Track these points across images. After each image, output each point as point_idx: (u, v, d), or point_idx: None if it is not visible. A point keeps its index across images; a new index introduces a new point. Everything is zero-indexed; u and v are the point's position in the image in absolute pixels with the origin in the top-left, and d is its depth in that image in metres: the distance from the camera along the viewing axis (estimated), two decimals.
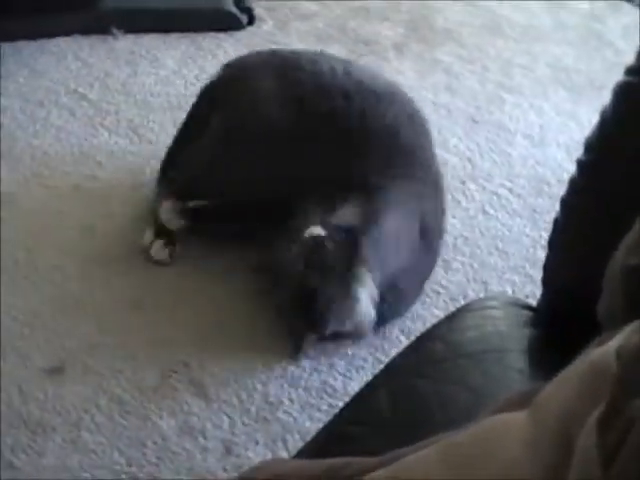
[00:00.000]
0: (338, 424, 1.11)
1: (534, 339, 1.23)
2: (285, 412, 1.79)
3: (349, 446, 1.04)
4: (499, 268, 2.14)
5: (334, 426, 1.11)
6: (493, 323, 1.22)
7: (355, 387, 1.82)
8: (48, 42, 2.70)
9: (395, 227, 1.92)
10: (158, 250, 2.06)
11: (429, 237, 1.99)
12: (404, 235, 1.93)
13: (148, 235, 2.08)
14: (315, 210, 1.91)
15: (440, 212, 2.06)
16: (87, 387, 1.81)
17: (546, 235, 1.42)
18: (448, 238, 2.15)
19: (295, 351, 1.88)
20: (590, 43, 2.97)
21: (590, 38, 3.00)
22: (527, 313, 1.29)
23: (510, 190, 2.35)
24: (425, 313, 1.99)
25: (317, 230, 1.85)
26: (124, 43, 2.74)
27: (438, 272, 2.09)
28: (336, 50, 2.78)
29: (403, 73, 2.74)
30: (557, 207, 1.36)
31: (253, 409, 1.80)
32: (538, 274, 1.43)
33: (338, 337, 1.92)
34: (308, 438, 1.23)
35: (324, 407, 1.80)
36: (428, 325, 1.51)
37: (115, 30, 2.75)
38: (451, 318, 1.23)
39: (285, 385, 1.85)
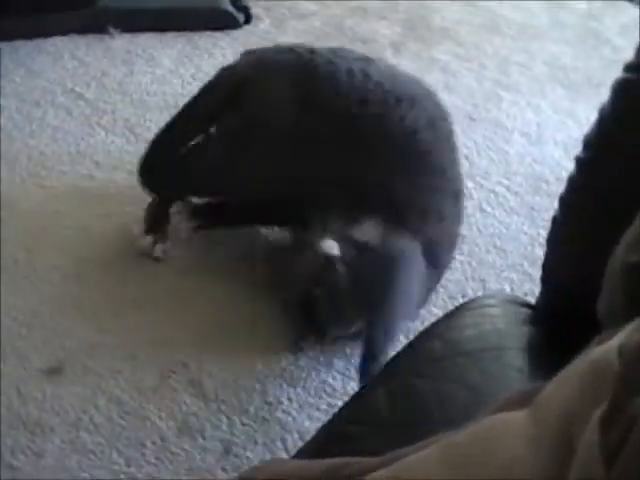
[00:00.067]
0: (337, 424, 1.11)
1: (533, 337, 1.23)
2: (284, 412, 1.79)
3: (348, 446, 1.04)
4: (497, 266, 2.14)
5: (333, 426, 1.11)
6: (492, 321, 1.22)
7: (354, 386, 1.82)
8: (45, 41, 2.69)
9: (411, 254, 1.88)
10: (149, 246, 2.05)
11: (438, 252, 1.94)
12: (417, 261, 1.89)
13: (138, 231, 2.07)
14: (335, 219, 1.88)
15: (456, 223, 2.00)
16: (86, 387, 1.81)
17: (544, 233, 1.42)
18: None
19: (294, 349, 1.88)
20: (588, 41, 2.97)
21: (588, 36, 3.00)
22: (526, 311, 1.29)
23: (507, 188, 2.35)
24: (423, 312, 1.99)
25: (332, 246, 1.83)
26: (120, 42, 2.74)
27: None
28: None
29: None
30: (555, 205, 1.36)
31: (252, 409, 1.79)
32: (536, 272, 1.43)
33: (338, 337, 1.92)
34: (307, 438, 1.23)
35: (323, 406, 1.80)
36: (427, 324, 1.51)
37: (112, 29, 2.75)
38: (449, 316, 1.23)
39: (284, 385, 1.85)
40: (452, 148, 2.02)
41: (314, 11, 2.98)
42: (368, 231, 1.88)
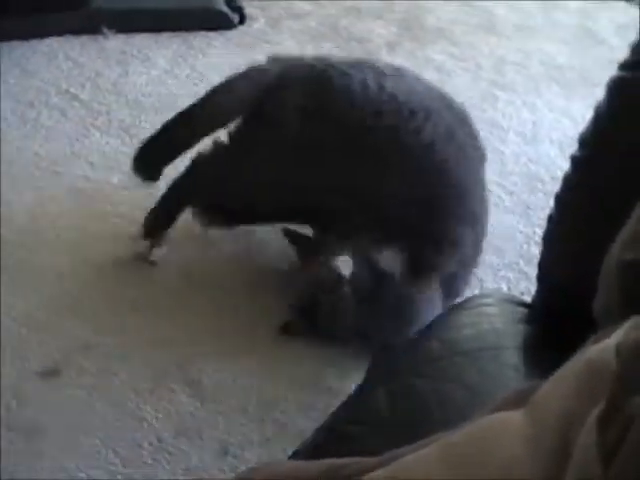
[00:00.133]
0: (336, 423, 1.11)
1: (529, 336, 1.23)
2: (281, 412, 1.79)
3: (347, 446, 1.04)
4: (494, 265, 2.14)
5: (331, 425, 1.11)
6: (489, 320, 1.22)
7: (352, 386, 1.81)
8: (39, 42, 2.69)
9: (431, 302, 1.85)
10: (145, 250, 2.05)
11: (453, 284, 1.90)
12: (436, 306, 1.85)
13: (135, 235, 2.06)
14: (354, 236, 1.85)
15: (473, 250, 1.94)
16: (82, 389, 1.81)
17: (540, 232, 1.42)
18: None
19: (281, 333, 1.90)
20: (583, 40, 2.97)
21: (583, 36, 3.00)
22: (522, 310, 1.29)
23: (503, 187, 2.35)
24: None
25: (346, 264, 1.82)
26: (115, 43, 2.74)
27: None
28: (328, 49, 2.78)
29: None
30: (551, 203, 1.36)
31: (249, 409, 1.79)
32: (533, 271, 1.43)
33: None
34: (305, 438, 1.22)
35: (320, 406, 1.80)
36: None
37: (106, 30, 2.74)
38: (447, 316, 1.23)
39: (281, 385, 1.84)
40: (474, 158, 1.97)
41: (309, 11, 2.98)
42: (387, 259, 1.85)
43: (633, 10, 3.02)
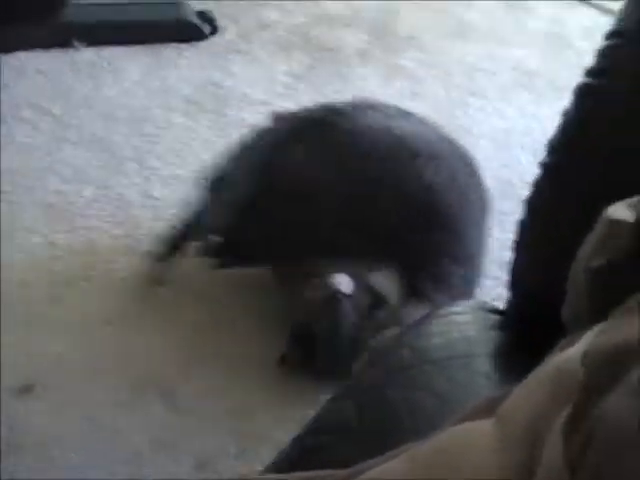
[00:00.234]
0: (307, 435, 1.11)
1: (501, 343, 1.24)
2: (258, 424, 1.79)
3: (318, 457, 1.04)
4: None
5: (303, 437, 1.11)
6: (459, 329, 1.22)
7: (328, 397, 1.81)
8: (8, 56, 2.67)
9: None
10: (158, 273, 2.05)
11: None
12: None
13: (150, 256, 2.06)
14: (351, 260, 1.87)
15: (465, 290, 1.95)
16: (57, 405, 1.80)
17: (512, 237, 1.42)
18: None
19: (280, 364, 1.88)
20: (552, 46, 2.99)
21: (552, 41, 3.01)
22: (495, 317, 1.29)
23: None
24: None
25: (344, 282, 1.82)
26: (86, 55, 2.73)
27: None
28: (299, 58, 2.79)
29: (367, 79, 2.74)
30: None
31: (225, 421, 1.79)
32: (506, 276, 1.43)
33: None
34: (281, 449, 1.22)
35: (298, 418, 1.79)
36: None
37: (77, 43, 2.73)
38: (418, 324, 1.23)
39: (258, 397, 1.84)
40: (475, 203, 2.01)
41: (279, 20, 2.98)
42: (383, 281, 1.87)
43: (598, 14, 3.05)
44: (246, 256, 2.03)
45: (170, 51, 2.79)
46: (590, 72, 1.24)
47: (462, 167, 2.02)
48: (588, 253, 0.87)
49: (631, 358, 0.65)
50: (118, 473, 1.69)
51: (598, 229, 0.88)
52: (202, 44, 2.84)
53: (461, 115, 2.62)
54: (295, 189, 1.98)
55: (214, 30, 2.90)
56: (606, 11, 3.02)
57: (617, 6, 1.30)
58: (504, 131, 2.58)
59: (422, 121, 2.10)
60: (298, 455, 1.07)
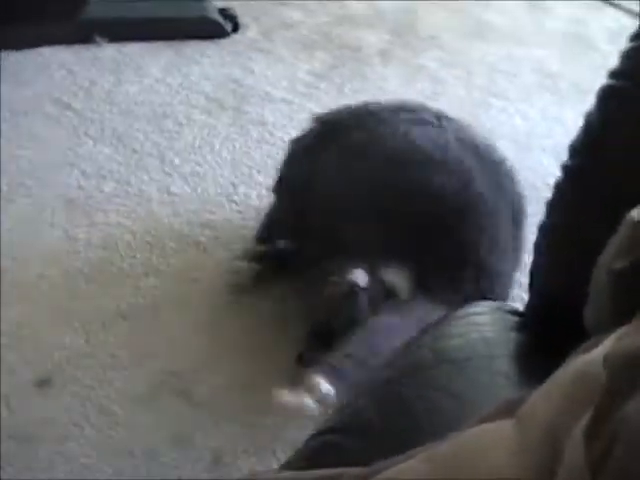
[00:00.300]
0: (324, 433, 1.11)
1: (520, 344, 1.23)
2: (274, 421, 1.79)
3: (336, 455, 1.04)
4: None
5: (320, 435, 1.11)
6: (478, 329, 1.22)
7: (345, 394, 1.81)
8: (32, 52, 2.69)
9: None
10: (242, 275, 2.07)
11: None
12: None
13: (237, 261, 2.08)
14: (365, 256, 1.89)
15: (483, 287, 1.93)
16: (75, 398, 1.80)
17: (534, 239, 1.41)
18: None
19: (296, 363, 1.87)
20: (573, 47, 2.98)
21: (573, 42, 3.00)
22: (514, 318, 1.29)
23: None
24: None
25: (360, 276, 1.84)
26: (108, 52, 2.74)
27: None
28: (321, 57, 2.79)
29: (388, 80, 2.74)
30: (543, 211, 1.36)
31: (242, 418, 1.79)
32: (526, 278, 1.43)
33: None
34: (297, 447, 1.22)
35: (313, 415, 1.79)
36: None
37: (99, 39, 2.74)
38: (437, 326, 1.23)
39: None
40: (501, 213, 1.99)
41: (302, 20, 2.98)
42: (395, 277, 1.88)
43: (622, 16, 3.04)
44: (280, 258, 2.08)
45: (192, 48, 2.79)
46: (614, 74, 1.24)
47: (483, 174, 2.00)
48: (611, 255, 0.87)
49: None
50: (134, 468, 1.69)
51: (622, 232, 0.88)
52: (224, 41, 2.84)
53: (483, 116, 2.61)
54: (320, 195, 2.01)
55: (236, 28, 2.90)
56: (630, 13, 3.01)
57: None
58: (526, 133, 2.57)
59: (457, 127, 2.09)
60: (314, 453, 1.07)
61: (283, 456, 1.68)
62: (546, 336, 1.22)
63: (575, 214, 1.26)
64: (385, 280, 1.87)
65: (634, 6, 2.92)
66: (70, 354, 1.88)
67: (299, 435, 1.73)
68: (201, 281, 2.05)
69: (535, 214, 2.10)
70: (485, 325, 1.24)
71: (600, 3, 3.19)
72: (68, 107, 2.53)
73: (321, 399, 1.74)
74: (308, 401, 1.73)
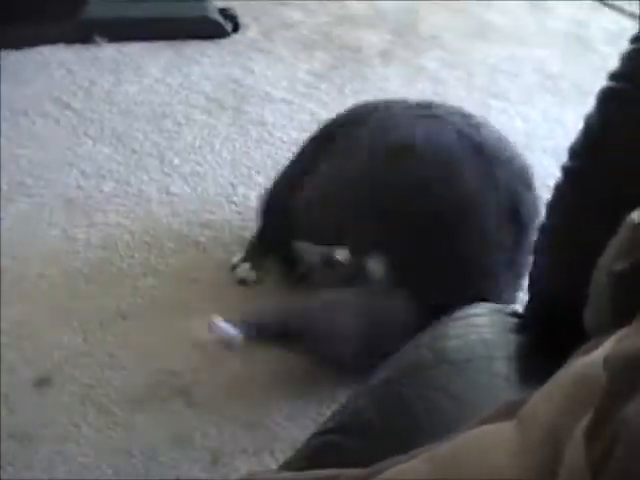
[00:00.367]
0: (324, 433, 1.11)
1: (520, 345, 1.23)
2: (273, 421, 1.79)
3: (335, 455, 1.04)
4: None
5: (320, 435, 1.11)
6: (477, 331, 1.22)
7: (344, 395, 1.81)
8: (32, 51, 2.69)
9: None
10: (245, 270, 2.08)
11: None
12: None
13: (237, 257, 2.10)
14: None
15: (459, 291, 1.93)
16: (74, 398, 1.80)
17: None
18: None
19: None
20: (575, 48, 2.98)
21: (574, 43, 3.00)
22: (513, 320, 1.29)
23: None
24: None
25: (377, 266, 1.87)
26: (108, 51, 2.74)
27: None
28: (321, 57, 2.79)
29: (389, 80, 2.74)
30: (543, 213, 1.36)
31: (241, 418, 1.79)
32: (525, 280, 1.43)
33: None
34: (296, 447, 1.22)
35: (313, 415, 1.80)
36: None
37: (99, 38, 2.74)
38: (436, 327, 1.23)
39: (273, 393, 1.84)
40: (495, 215, 1.96)
41: (302, 20, 2.98)
42: (375, 265, 1.89)
43: (623, 18, 3.04)
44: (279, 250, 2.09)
45: (192, 48, 2.79)
46: (614, 76, 1.24)
47: (488, 175, 1.98)
48: (611, 257, 0.87)
49: None
50: (133, 468, 1.69)
51: (622, 233, 0.88)
52: (224, 41, 2.85)
53: (483, 117, 2.61)
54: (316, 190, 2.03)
55: (236, 28, 2.90)
56: (630, 15, 3.01)
57: None
58: (526, 134, 2.57)
59: (467, 123, 2.07)
60: (314, 453, 1.07)
61: (282, 456, 1.68)
62: (546, 338, 1.22)
63: (575, 216, 1.26)
64: (365, 266, 1.89)
65: (634, 8, 2.92)
66: (69, 354, 1.88)
67: (299, 435, 1.74)
68: (200, 281, 2.05)
69: None
70: (484, 326, 1.24)
71: (601, 5, 3.19)
72: (68, 107, 2.53)
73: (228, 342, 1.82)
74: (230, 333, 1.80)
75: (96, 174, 2.32)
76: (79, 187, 2.28)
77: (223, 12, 2.90)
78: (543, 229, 1.33)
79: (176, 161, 2.37)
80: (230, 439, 1.75)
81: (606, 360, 0.67)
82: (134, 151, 2.39)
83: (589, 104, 1.28)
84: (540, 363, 0.93)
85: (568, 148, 1.29)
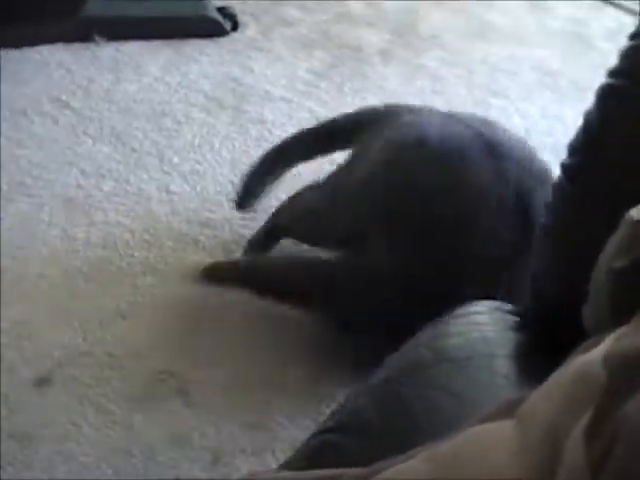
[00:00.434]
0: (323, 432, 1.11)
1: (521, 344, 1.23)
2: (273, 420, 1.78)
3: (334, 455, 1.03)
4: None
5: (319, 435, 1.11)
6: (478, 329, 1.22)
7: (344, 394, 1.81)
8: (30, 50, 2.69)
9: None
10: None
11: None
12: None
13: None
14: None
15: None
16: (74, 398, 1.80)
17: None
18: None
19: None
20: (575, 46, 2.98)
21: (574, 41, 3.00)
22: (514, 318, 1.29)
23: None
24: None
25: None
26: (107, 50, 2.73)
27: None
28: (320, 56, 2.79)
29: (388, 78, 2.74)
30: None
31: (241, 417, 1.79)
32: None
33: None
34: (296, 447, 1.22)
35: (313, 415, 1.79)
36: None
37: (98, 37, 2.74)
38: (436, 325, 1.23)
39: (273, 392, 1.84)
40: (493, 214, 1.94)
41: (301, 18, 2.98)
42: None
43: (622, 15, 3.04)
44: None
45: (191, 47, 2.79)
46: (613, 73, 1.24)
47: (500, 174, 1.97)
48: (611, 254, 0.87)
49: None
50: (133, 468, 1.69)
51: (621, 230, 0.88)
52: (223, 40, 2.84)
53: (482, 115, 2.61)
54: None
55: (235, 26, 2.90)
56: (629, 12, 3.01)
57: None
58: (525, 131, 2.57)
59: (500, 131, 2.09)
60: (314, 453, 1.07)
61: (282, 456, 1.67)
62: (546, 336, 1.21)
63: (574, 213, 1.26)
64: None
65: (634, 5, 2.92)
66: (69, 353, 1.88)
67: (299, 435, 1.74)
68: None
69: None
70: (485, 324, 1.24)
71: (600, 3, 3.19)
72: (67, 106, 2.52)
73: None
74: None
75: (96, 173, 2.32)
76: (79, 186, 2.28)
77: (222, 11, 2.89)
78: (542, 227, 1.32)
79: (176, 160, 2.37)
80: (229, 439, 1.75)
81: (605, 358, 0.66)
82: (133, 150, 2.39)
83: (588, 101, 1.28)
84: (540, 361, 0.93)
85: (567, 145, 1.28)
